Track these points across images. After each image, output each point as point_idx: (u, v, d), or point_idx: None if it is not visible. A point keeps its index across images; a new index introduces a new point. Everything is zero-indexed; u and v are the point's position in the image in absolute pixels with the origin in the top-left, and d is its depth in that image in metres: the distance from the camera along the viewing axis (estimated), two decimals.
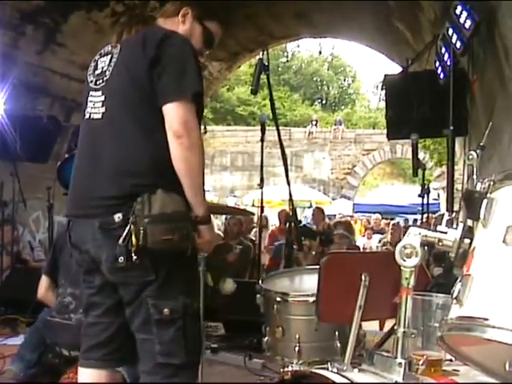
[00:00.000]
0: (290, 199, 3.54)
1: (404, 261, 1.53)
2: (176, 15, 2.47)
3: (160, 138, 2.16)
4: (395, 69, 13.04)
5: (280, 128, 3.45)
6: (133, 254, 2.06)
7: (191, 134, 2.14)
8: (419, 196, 5.33)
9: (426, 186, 5.33)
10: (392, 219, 17.73)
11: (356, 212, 19.58)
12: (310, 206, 19.64)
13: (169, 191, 2.13)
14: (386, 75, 7.29)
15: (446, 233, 1.52)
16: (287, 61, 46.81)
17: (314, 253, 6.27)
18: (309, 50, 48.01)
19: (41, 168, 7.71)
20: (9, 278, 6.38)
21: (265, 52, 3.28)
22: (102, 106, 2.28)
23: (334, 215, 16.36)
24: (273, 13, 10.57)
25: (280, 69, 44.90)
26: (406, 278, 1.54)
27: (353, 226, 8.95)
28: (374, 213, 17.62)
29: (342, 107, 44.89)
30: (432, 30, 7.23)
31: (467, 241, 1.49)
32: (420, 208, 5.68)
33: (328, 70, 47.43)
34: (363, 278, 2.00)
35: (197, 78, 2.22)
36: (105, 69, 2.33)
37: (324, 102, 46.86)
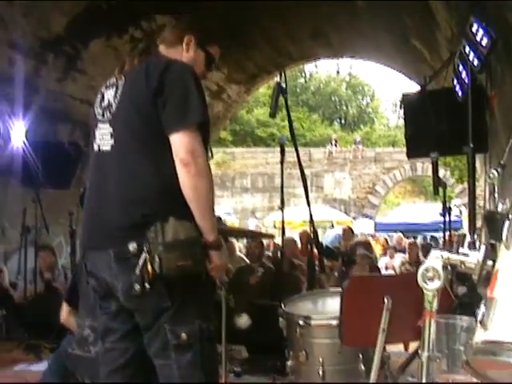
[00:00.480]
0: (311, 220, 3.52)
1: (426, 284, 1.51)
2: (178, 43, 2.48)
3: (169, 166, 2.19)
4: (414, 87, 13.03)
5: (299, 149, 3.46)
6: (148, 282, 2.09)
7: (198, 161, 2.16)
8: (441, 215, 5.28)
9: (448, 204, 5.28)
10: (416, 238, 17.60)
11: (378, 231, 19.44)
12: (332, 227, 19.59)
13: (180, 218, 2.15)
14: (404, 94, 7.28)
15: (467, 255, 1.51)
16: (305, 81, 47.02)
17: (336, 274, 6.24)
18: (327, 70, 48.23)
19: (63, 194, 7.82)
20: (33, 303, 6.41)
21: (282, 74, 3.28)
22: (111, 137, 2.31)
23: (356, 235, 16.25)
24: (290, 34, 10.70)
25: (298, 89, 45.06)
26: (429, 302, 1.52)
27: (372, 245, 8.93)
28: (396, 231, 17.49)
29: (361, 126, 44.83)
30: (449, 47, 7.21)
31: (490, 262, 1.47)
32: (443, 225, 5.61)
33: (346, 89, 47.51)
34: (386, 300, 1.98)
35: (201, 105, 2.24)
36: (111, 101, 2.36)
37: (343, 121, 46.89)
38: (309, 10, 9.22)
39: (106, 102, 2.39)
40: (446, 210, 5.21)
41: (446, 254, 1.51)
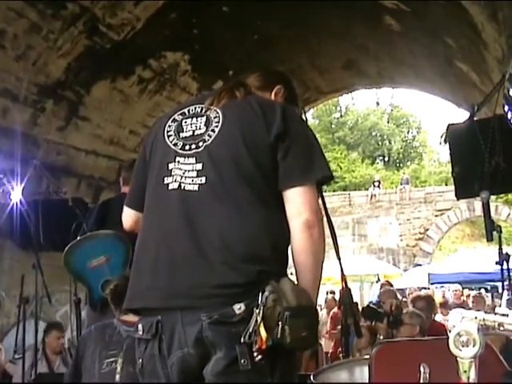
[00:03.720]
0: (342, 275, 3.46)
1: (460, 351, 1.47)
2: (267, 90, 2.59)
3: (281, 220, 2.19)
4: (464, 115, 12.97)
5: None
6: (260, 353, 1.97)
7: (321, 224, 2.19)
8: (497, 263, 5.16)
9: (505, 251, 5.15)
10: (479, 290, 17.22)
11: (432, 283, 19.10)
12: (378, 281, 19.34)
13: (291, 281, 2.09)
14: (449, 125, 7.22)
15: (507, 315, 1.47)
16: (341, 116, 47.32)
17: (381, 337, 6.11)
18: (364, 102, 48.53)
19: None
20: None
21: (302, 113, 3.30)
22: (198, 176, 2.21)
23: (405, 289, 16.03)
24: (318, 65, 10.83)
25: (333, 126, 45.41)
26: (465, 371, 1.48)
27: (434, 300, 8.71)
28: (454, 283, 17.15)
29: (408, 163, 44.79)
30: (501, 68, 7.18)
31: None
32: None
33: (388, 122, 47.68)
34: (422, 369, 1.93)
35: (325, 159, 2.29)
36: (199, 132, 2.30)
37: (386, 159, 46.91)
38: (338, 40, 9.38)
39: (188, 133, 2.33)
40: (504, 258, 5.08)
41: (481, 315, 1.47)
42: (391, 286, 9.29)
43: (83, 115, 8.71)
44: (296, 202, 2.17)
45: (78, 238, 5.26)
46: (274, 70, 2.90)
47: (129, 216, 2.61)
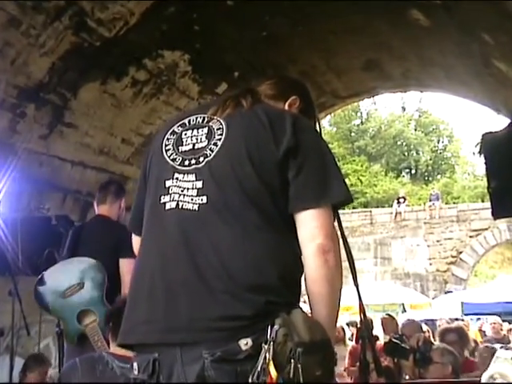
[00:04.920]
0: (361, 305, 3.43)
1: None
2: (280, 99, 2.61)
3: (292, 245, 2.19)
4: (503, 122, 12.94)
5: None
6: None
7: (337, 248, 2.19)
8: None
9: None
10: None
11: (466, 314, 19.01)
12: (404, 311, 19.26)
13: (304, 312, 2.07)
14: (485, 133, 7.20)
15: None
16: (361, 123, 47.38)
17: (407, 377, 6.07)
18: (388, 108, 48.61)
19: None
20: None
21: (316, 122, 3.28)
22: (199, 194, 2.22)
23: (435, 320, 15.95)
24: (335, 66, 10.83)
25: (353, 134, 45.48)
26: None
27: (467, 333, 8.64)
28: (491, 314, 17.04)
29: (438, 177, 44.78)
30: None
31: None
32: None
33: (415, 129, 47.72)
34: None
35: (342, 179, 2.31)
36: (200, 146, 2.31)
37: (413, 171, 46.90)
38: (357, 37, 9.37)
39: (187, 146, 2.34)
40: None
41: None
42: (393, 319, 9.23)
43: (69, 122, 8.68)
44: (309, 225, 2.18)
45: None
46: (290, 78, 2.94)
47: (135, 242, 2.62)
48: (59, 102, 8.42)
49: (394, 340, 5.83)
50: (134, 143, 9.67)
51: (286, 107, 2.59)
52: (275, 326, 1.97)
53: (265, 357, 1.93)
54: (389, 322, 9.08)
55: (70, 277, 4.91)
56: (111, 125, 9.31)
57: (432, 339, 8.70)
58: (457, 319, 17.07)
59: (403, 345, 5.72)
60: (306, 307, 2.17)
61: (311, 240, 2.16)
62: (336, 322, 2.23)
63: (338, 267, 2.18)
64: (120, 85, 8.90)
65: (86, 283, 4.85)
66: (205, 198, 2.20)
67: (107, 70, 8.65)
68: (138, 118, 9.59)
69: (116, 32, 8.09)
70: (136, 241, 2.58)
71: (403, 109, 49.38)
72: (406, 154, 47.20)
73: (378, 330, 9.13)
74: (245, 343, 1.97)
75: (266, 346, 1.94)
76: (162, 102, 9.66)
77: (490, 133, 7.37)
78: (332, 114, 28.22)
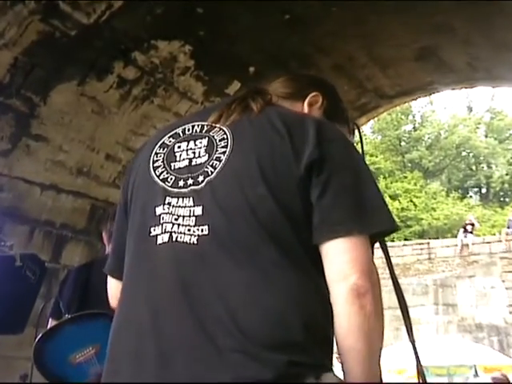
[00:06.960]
0: (418, 366, 3.23)
1: None
2: (296, 100, 2.64)
3: (320, 288, 2.13)
4: None
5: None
6: None
7: (376, 291, 2.12)
8: None
9: None
10: None
11: None
12: (476, 375, 18.95)
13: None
14: None
15: None
16: (414, 129, 47.47)
17: None
18: (450, 109, 48.59)
19: (13, 343, 7.71)
20: None
21: (355, 131, 3.13)
22: (198, 224, 2.18)
23: None
24: (379, 56, 10.71)
25: (404, 143, 45.62)
26: None
27: None
28: None
29: None
30: None
31: None
32: None
33: (486, 136, 47.91)
34: None
35: (383, 202, 2.26)
36: (199, 162, 2.30)
37: (484, 190, 46.93)
38: (408, 18, 9.20)
39: (182, 162, 2.34)
40: None
41: None
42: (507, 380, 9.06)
43: (38, 133, 8.61)
44: (339, 260, 2.11)
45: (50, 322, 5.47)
46: (306, 74, 2.98)
47: (114, 288, 2.61)
48: (24, 109, 8.35)
49: None
50: (122, 160, 9.61)
51: (305, 107, 2.63)
52: None
53: None
54: None
55: (81, 336, 4.86)
56: (92, 137, 9.25)
57: None
58: None
59: None
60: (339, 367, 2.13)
61: (342, 279, 2.09)
62: (375, 376, 2.12)
63: (378, 315, 2.10)
64: (103, 85, 8.85)
65: (101, 344, 4.68)
66: (206, 229, 2.16)
67: (86, 67, 8.58)
68: (127, 128, 9.54)
69: (96, 18, 7.99)
70: (116, 286, 2.55)
71: (469, 109, 49.48)
72: (474, 167, 47.38)
73: None
74: None
75: None
76: (156, 107, 9.62)
77: None
78: (376, 119, 28.23)
